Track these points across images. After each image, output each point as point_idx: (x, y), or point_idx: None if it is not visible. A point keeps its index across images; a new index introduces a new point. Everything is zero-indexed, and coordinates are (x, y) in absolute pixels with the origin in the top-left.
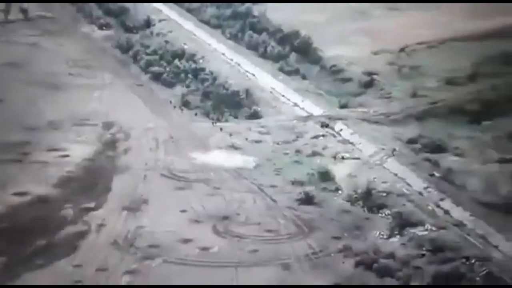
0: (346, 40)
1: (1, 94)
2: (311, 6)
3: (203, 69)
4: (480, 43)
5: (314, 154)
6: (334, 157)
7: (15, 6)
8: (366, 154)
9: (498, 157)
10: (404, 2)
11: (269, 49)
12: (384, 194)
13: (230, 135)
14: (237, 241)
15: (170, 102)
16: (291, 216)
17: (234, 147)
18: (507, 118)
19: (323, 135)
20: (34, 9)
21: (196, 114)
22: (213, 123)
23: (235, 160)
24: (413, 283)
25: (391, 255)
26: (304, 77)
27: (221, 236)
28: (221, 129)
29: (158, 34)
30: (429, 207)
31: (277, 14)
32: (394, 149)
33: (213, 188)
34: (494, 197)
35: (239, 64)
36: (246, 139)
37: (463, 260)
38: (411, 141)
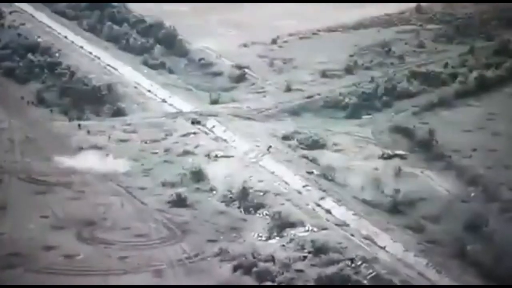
0: (213, 32)
1: None
2: None
3: (59, 64)
4: (356, 33)
5: (186, 153)
6: (207, 156)
7: None
8: (241, 151)
9: (380, 153)
10: None
11: (131, 41)
12: (261, 193)
13: (92, 134)
14: (104, 248)
15: (22, 98)
16: (162, 220)
17: (97, 147)
18: (387, 111)
19: (194, 133)
20: None
21: (51, 111)
22: (69, 120)
23: (104, 163)
24: None
25: (271, 258)
26: (171, 71)
27: (87, 242)
28: (79, 125)
29: (9, 27)
30: (309, 206)
31: (138, 4)
32: (270, 146)
33: (76, 192)
34: (377, 195)
35: (99, 58)
36: (109, 137)
37: (348, 262)
38: (286, 138)
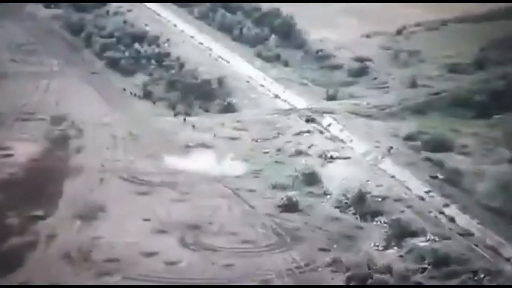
0: (333, 21)
1: None
2: None
3: (168, 54)
4: (487, 25)
5: (298, 153)
6: (322, 157)
7: None
8: (358, 153)
9: (511, 157)
10: None
11: (245, 31)
12: (379, 199)
13: (199, 130)
14: (209, 254)
15: (124, 89)
16: (271, 225)
17: (205, 145)
18: None
19: (308, 131)
20: None
21: (154, 103)
22: (176, 115)
23: (214, 163)
24: None
25: (388, 269)
26: (286, 64)
27: (190, 248)
28: (184, 119)
29: (115, 13)
30: (431, 214)
31: None
32: (391, 147)
33: (181, 193)
34: (505, 202)
35: (210, 49)
36: (214, 135)
37: (470, 274)
38: (409, 138)
